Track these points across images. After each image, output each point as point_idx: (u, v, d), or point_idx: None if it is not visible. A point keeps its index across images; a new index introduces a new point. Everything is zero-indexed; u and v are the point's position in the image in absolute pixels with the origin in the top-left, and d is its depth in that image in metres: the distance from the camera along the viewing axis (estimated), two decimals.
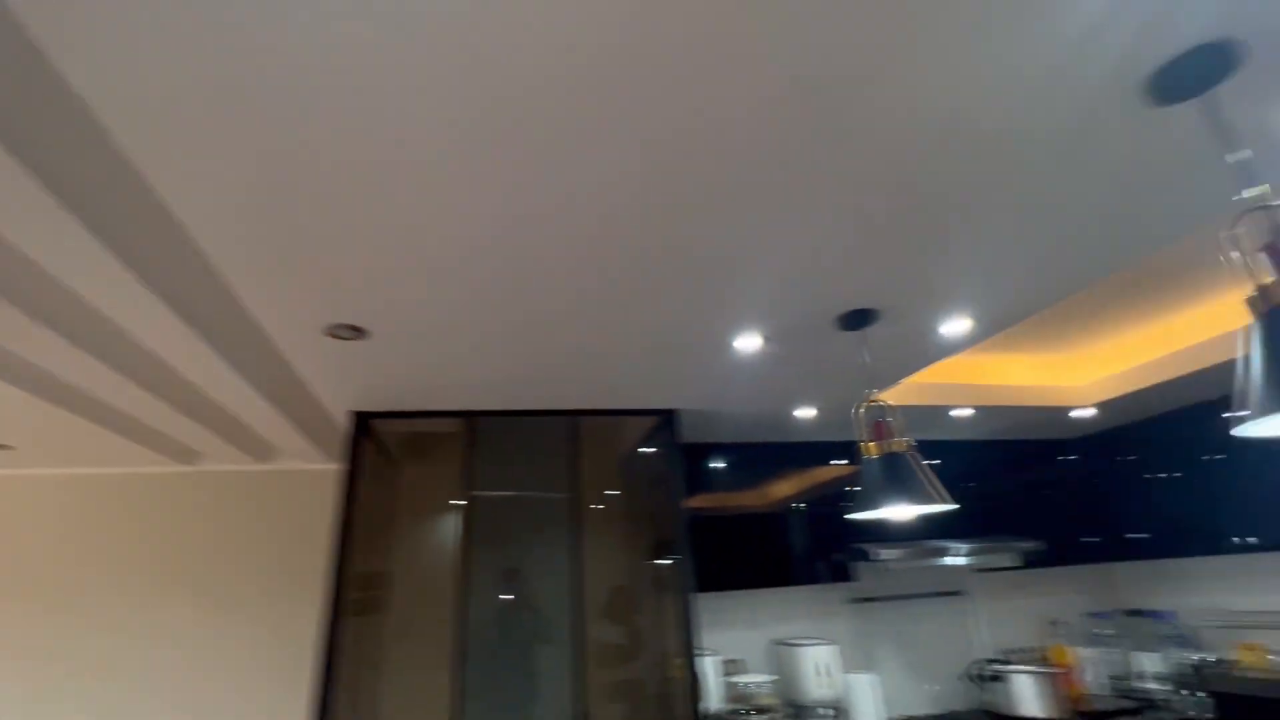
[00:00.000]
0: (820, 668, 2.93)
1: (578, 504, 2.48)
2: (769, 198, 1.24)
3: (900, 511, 1.60)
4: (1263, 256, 0.86)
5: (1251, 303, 0.84)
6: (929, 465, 3.56)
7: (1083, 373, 3.11)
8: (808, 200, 1.25)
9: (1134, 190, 1.29)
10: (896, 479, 1.58)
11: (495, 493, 2.82)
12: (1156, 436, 3.35)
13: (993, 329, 1.96)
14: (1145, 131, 1.10)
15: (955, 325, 1.91)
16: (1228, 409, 3.01)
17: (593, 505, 3.01)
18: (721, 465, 3.20)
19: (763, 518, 3.15)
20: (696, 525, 3.04)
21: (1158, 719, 2.94)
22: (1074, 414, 3.23)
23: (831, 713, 2.89)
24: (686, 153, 1.10)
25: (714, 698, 2.80)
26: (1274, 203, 0.87)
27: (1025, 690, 2.91)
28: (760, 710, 2.68)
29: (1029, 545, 3.26)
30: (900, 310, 1.80)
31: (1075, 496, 3.61)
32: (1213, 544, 3.01)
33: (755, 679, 2.94)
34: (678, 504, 2.54)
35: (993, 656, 3.49)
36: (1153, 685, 3.36)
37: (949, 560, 3.09)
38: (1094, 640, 3.61)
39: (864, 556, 3.12)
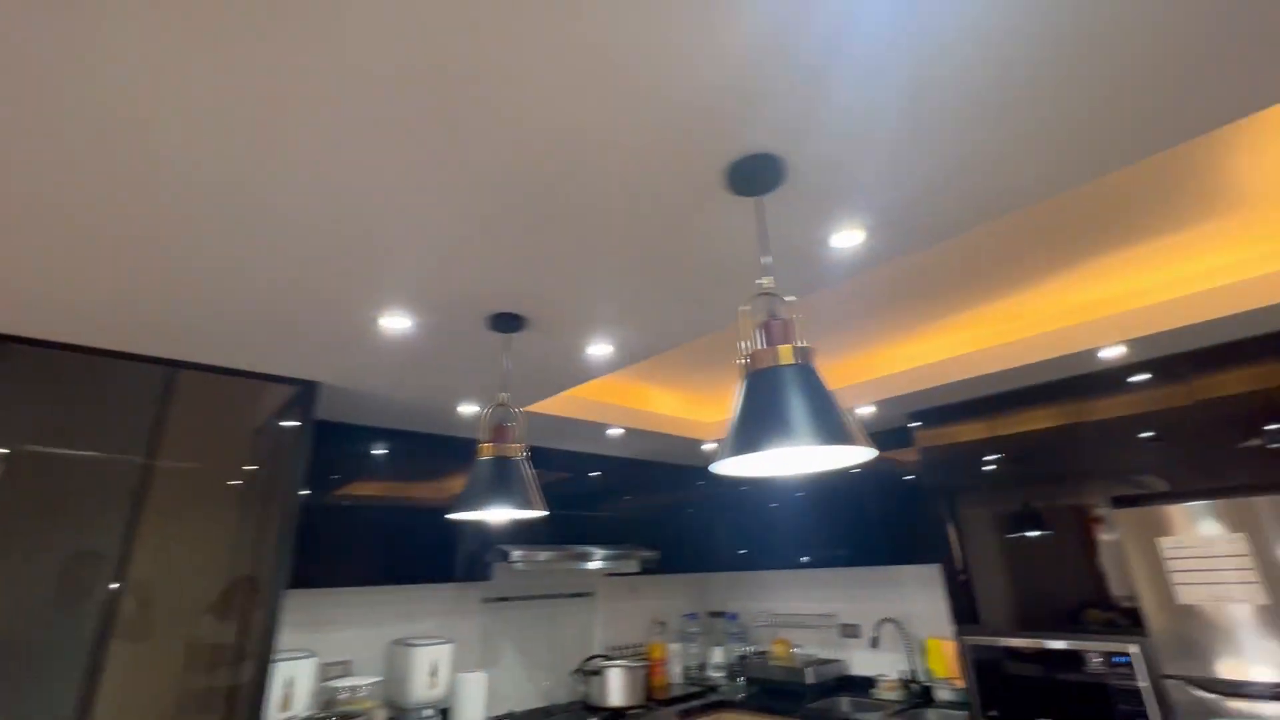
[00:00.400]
0: (432, 668, 2.87)
1: (150, 473, 2.00)
2: (384, 173, 1.15)
3: (498, 514, 1.64)
4: (758, 331, 1.06)
5: (742, 366, 1.03)
6: (594, 476, 3.93)
7: (714, 410, 3.72)
8: (423, 187, 1.20)
9: (721, 260, 1.55)
10: (502, 483, 1.61)
11: (42, 449, 2.13)
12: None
13: (630, 359, 2.18)
14: (726, 212, 1.32)
15: (599, 349, 2.08)
16: None
17: (230, 481, 2.49)
18: (372, 451, 2.97)
19: (403, 511, 2.99)
20: (324, 513, 2.74)
21: (713, 701, 3.58)
22: (704, 447, 3.84)
23: (431, 713, 2.85)
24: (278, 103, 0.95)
25: (300, 704, 2.52)
26: (774, 292, 1.08)
27: (614, 683, 3.28)
28: (348, 716, 2.49)
29: (648, 554, 3.74)
30: (548, 323, 1.88)
31: (695, 516, 4.29)
32: (783, 560, 3.84)
33: (355, 682, 2.73)
34: (291, 487, 2.24)
35: (603, 653, 3.88)
36: (716, 674, 4.14)
37: (576, 564, 3.35)
38: (684, 637, 4.29)
39: (503, 557, 3.20)
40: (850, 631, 3.79)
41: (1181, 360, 2.37)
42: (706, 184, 1.23)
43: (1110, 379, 2.53)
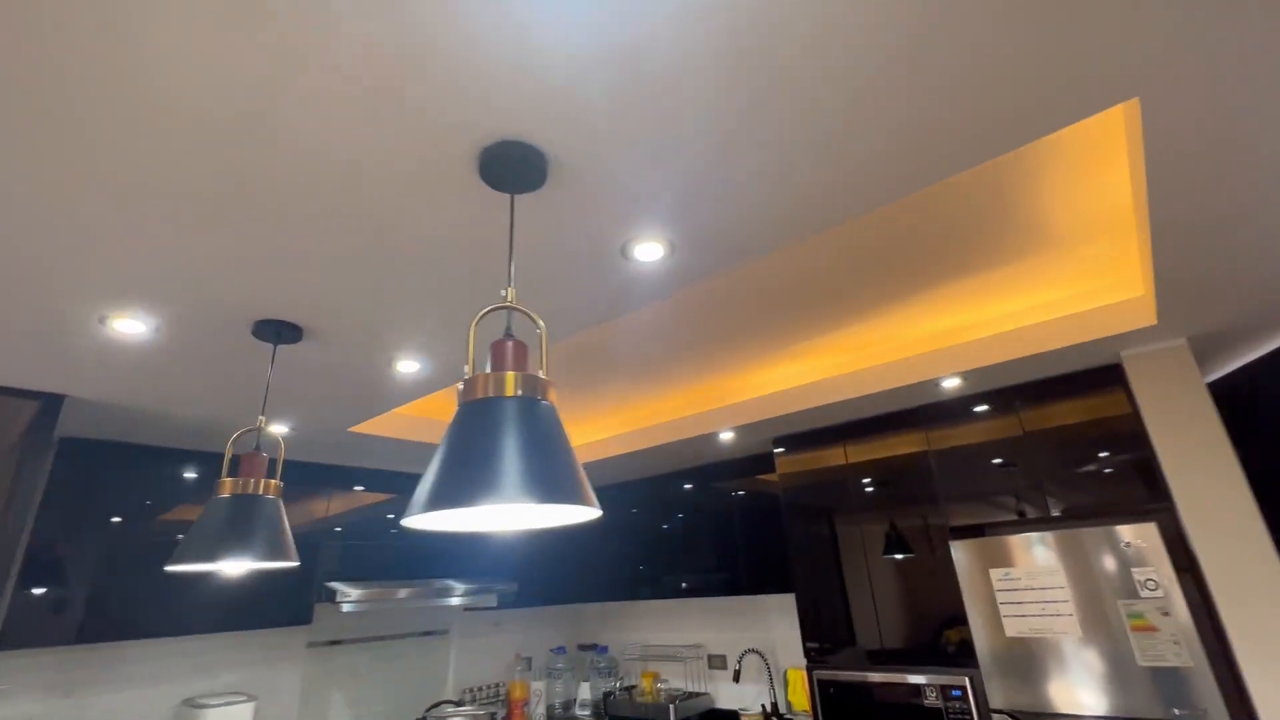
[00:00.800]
0: None
1: None
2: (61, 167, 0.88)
3: (234, 567, 1.34)
4: (489, 349, 0.86)
5: (460, 392, 0.83)
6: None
7: (587, 431, 3.52)
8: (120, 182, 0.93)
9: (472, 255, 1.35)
10: (239, 528, 1.32)
11: None
12: (642, 497, 4.04)
13: (450, 378, 1.94)
14: (477, 205, 1.13)
15: (408, 365, 1.82)
16: (687, 481, 3.79)
17: None
18: (148, 475, 2.52)
19: None
20: (90, 551, 2.28)
21: None
22: None
23: None
24: None
25: None
26: (516, 306, 0.89)
27: None
28: None
29: (503, 587, 3.47)
30: (331, 334, 1.61)
31: (560, 545, 4.06)
32: (654, 589, 3.67)
33: None
34: (18, 517, 1.81)
35: (450, 698, 3.54)
36: (583, 713, 3.89)
37: (421, 601, 3.03)
38: (550, 674, 4.01)
39: (328, 597, 2.83)
40: (718, 663, 3.67)
41: (1011, 393, 2.43)
42: (459, 176, 1.03)
43: (956, 408, 2.56)
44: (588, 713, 3.83)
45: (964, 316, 2.24)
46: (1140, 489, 2.09)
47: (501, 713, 3.70)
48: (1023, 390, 2.41)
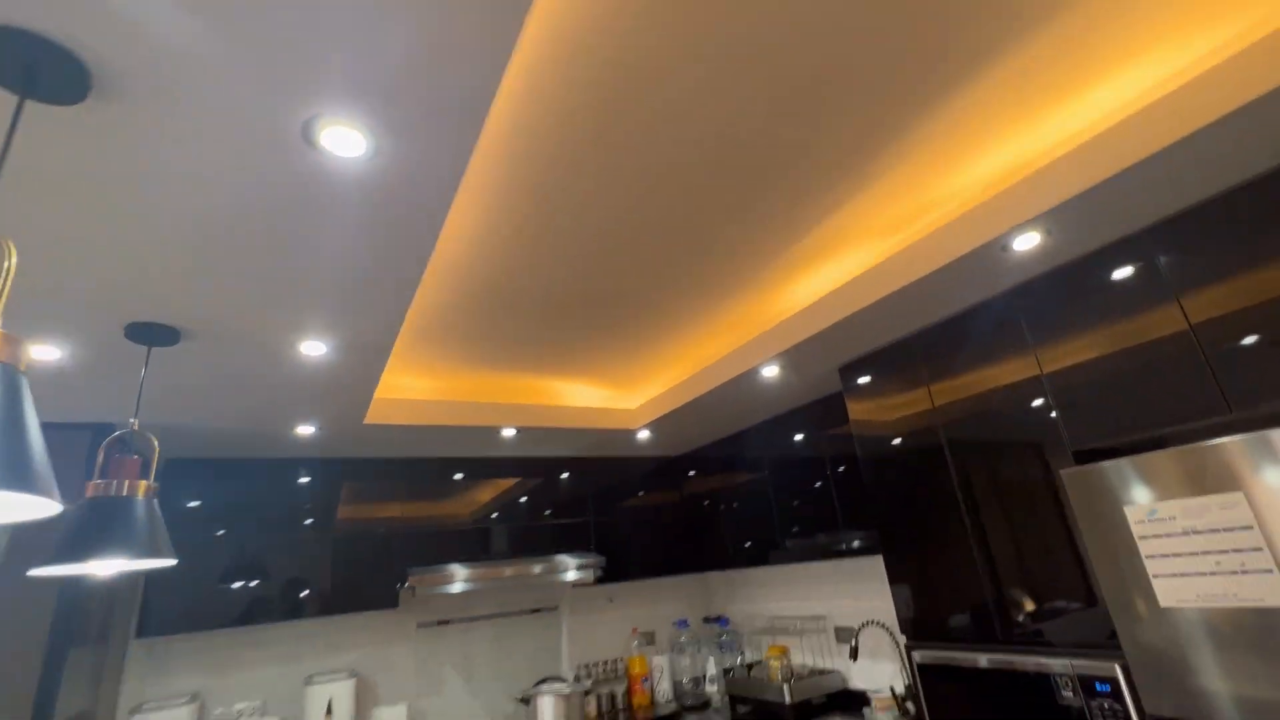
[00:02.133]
0: (330, 705, 2.69)
1: None
2: None
3: (104, 567, 1.36)
4: None
5: None
6: (537, 484, 3.59)
7: (638, 396, 3.23)
8: None
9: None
10: (106, 529, 1.33)
11: None
12: (713, 460, 3.64)
13: (372, 351, 1.81)
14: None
15: (313, 347, 1.73)
16: (761, 434, 3.31)
17: None
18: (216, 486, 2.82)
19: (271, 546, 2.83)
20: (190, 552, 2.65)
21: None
22: (639, 436, 3.35)
23: None
24: None
25: None
26: None
27: (546, 711, 2.92)
28: None
29: (589, 559, 3.34)
30: (208, 332, 1.57)
31: (675, 515, 3.81)
32: (763, 556, 3.26)
33: None
34: None
35: (558, 674, 3.52)
36: (711, 688, 3.62)
37: (502, 581, 3.04)
38: (674, 648, 3.81)
39: (401, 581, 2.95)
40: (846, 636, 3.13)
41: (1147, 238, 1.57)
42: None
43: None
44: (715, 688, 3.55)
45: (1035, 131, 1.48)
46: None
47: (621, 688, 3.60)
48: (1168, 229, 1.55)
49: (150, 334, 1.52)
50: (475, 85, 0.91)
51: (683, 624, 3.86)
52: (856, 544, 2.66)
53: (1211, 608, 1.33)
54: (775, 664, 3.21)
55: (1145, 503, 1.44)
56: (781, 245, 1.87)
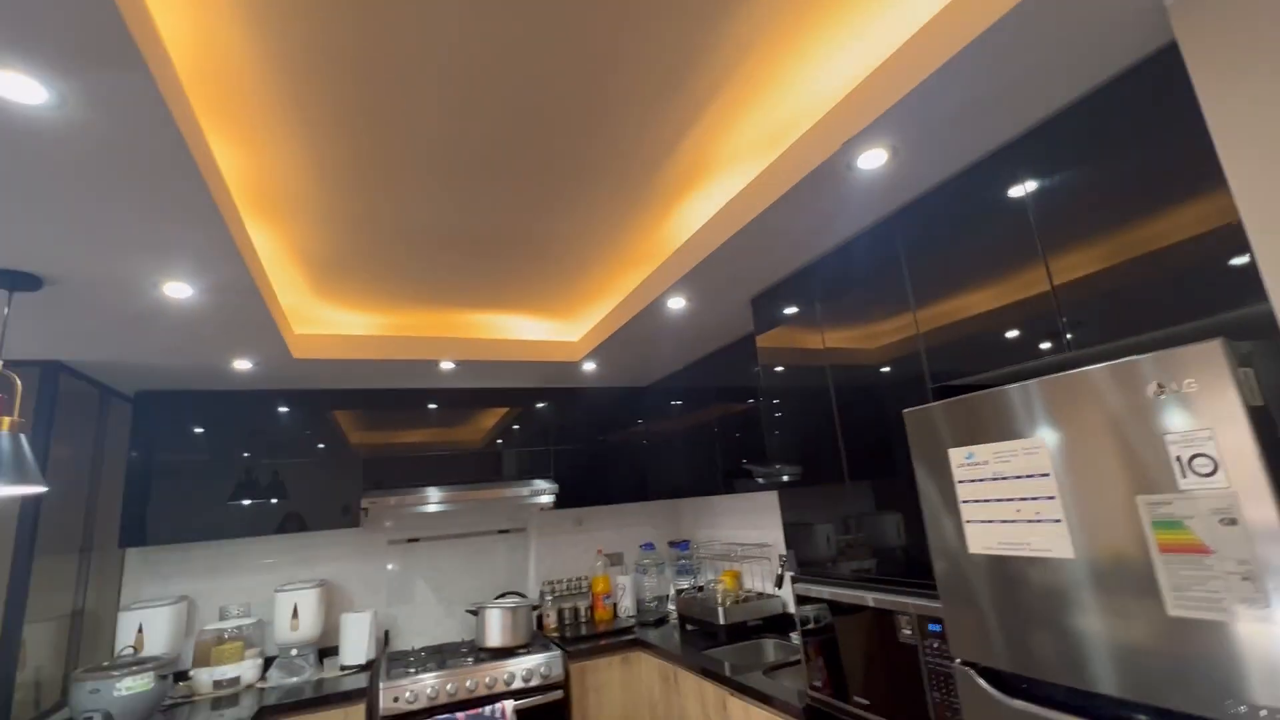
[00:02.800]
0: (296, 609, 2.99)
1: None
2: None
3: None
4: None
5: None
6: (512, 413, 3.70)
7: (581, 330, 3.21)
8: None
9: None
10: None
11: None
12: (672, 392, 3.63)
13: (230, 289, 1.87)
14: None
15: (177, 289, 1.81)
16: (713, 366, 3.26)
17: None
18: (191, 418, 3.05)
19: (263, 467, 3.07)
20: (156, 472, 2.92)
21: (628, 639, 3.27)
22: (584, 367, 3.37)
23: (297, 652, 2.98)
24: None
25: (157, 646, 2.78)
26: None
27: (492, 624, 3.14)
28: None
29: (543, 485, 3.47)
30: (66, 276, 1.65)
31: (634, 444, 3.87)
32: (712, 486, 3.29)
33: (224, 625, 2.96)
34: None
35: (534, 589, 3.74)
36: (672, 607, 3.79)
37: (442, 506, 3.22)
38: (639, 569, 3.97)
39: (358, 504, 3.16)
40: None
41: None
42: None
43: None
44: (674, 607, 3.71)
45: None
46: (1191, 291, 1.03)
47: (585, 603, 3.81)
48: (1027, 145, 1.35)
49: (8, 279, 1.63)
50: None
51: (648, 547, 4.00)
52: (783, 479, 2.63)
53: (1008, 555, 1.26)
54: (720, 587, 3.31)
55: (965, 445, 1.35)
56: (647, 170, 1.76)
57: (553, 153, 1.62)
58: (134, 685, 2.34)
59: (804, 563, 2.10)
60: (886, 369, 1.77)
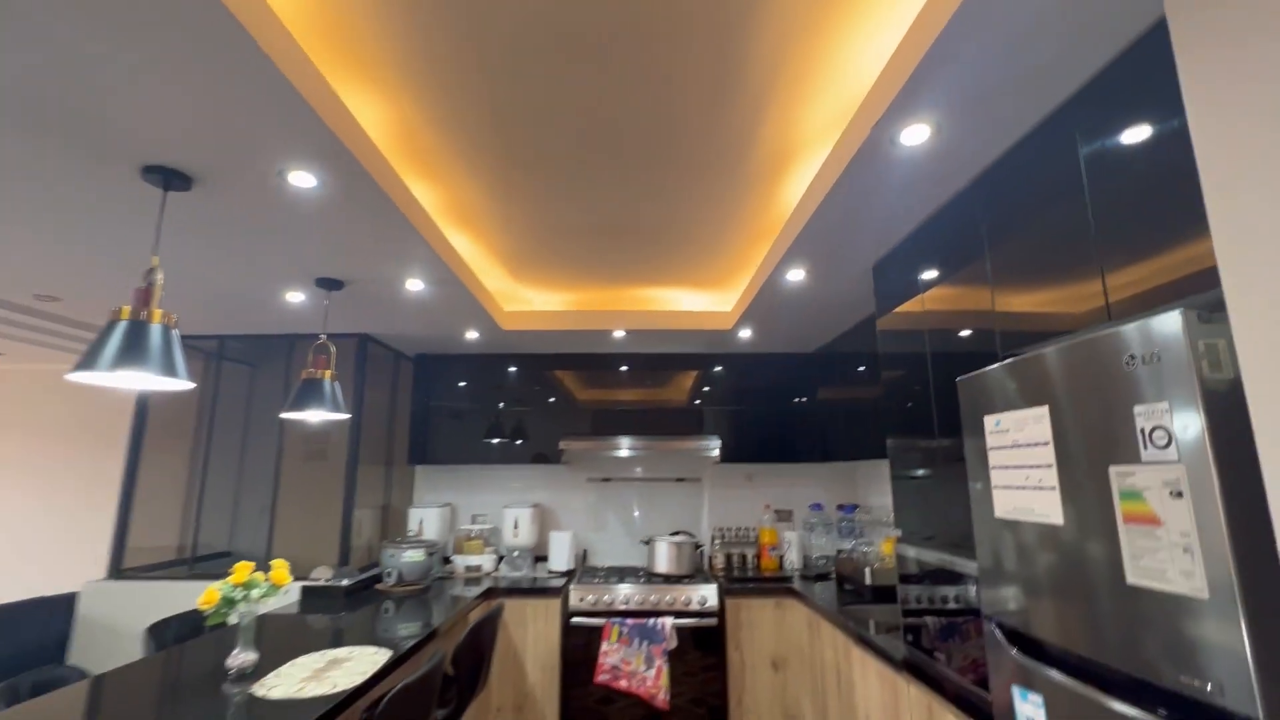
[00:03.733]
0: (517, 522, 3.91)
1: None
2: None
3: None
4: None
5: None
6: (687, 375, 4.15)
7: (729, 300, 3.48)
8: None
9: None
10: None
11: None
12: (838, 357, 3.65)
13: (454, 289, 2.60)
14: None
15: (413, 284, 2.60)
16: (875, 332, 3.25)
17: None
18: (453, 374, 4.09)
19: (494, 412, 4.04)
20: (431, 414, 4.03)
21: (785, 587, 3.53)
22: (740, 335, 3.62)
23: (519, 553, 3.90)
24: None
25: (431, 534, 3.91)
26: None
27: (661, 552, 3.67)
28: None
29: (706, 442, 3.86)
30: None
31: (803, 407, 4.03)
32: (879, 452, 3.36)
33: (473, 528, 4.00)
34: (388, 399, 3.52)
35: (704, 532, 4.20)
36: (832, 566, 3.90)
37: (621, 452, 3.82)
38: (806, 526, 4.14)
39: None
40: None
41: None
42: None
43: None
44: (831, 567, 3.84)
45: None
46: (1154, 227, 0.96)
47: (752, 551, 4.14)
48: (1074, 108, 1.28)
49: (326, 284, 2.55)
50: None
51: (817, 507, 4.15)
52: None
53: (1020, 520, 1.29)
54: (872, 551, 3.36)
55: (996, 412, 1.38)
56: (737, 159, 1.99)
57: (654, 151, 1.96)
58: (415, 556, 3.41)
59: (912, 529, 2.17)
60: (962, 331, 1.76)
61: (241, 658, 1.91)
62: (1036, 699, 1.21)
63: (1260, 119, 0.83)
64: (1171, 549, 0.93)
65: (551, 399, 4.08)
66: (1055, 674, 1.18)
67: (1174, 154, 1.11)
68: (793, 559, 4.06)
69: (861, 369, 3.43)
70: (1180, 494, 0.92)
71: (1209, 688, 0.88)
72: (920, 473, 2.09)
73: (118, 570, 3.31)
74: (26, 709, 1.63)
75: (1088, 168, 1.33)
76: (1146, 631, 0.98)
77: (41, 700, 1.69)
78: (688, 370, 4.12)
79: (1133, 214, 1.21)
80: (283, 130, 1.48)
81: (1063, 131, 1.39)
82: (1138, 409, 1.00)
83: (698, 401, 4.08)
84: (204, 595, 1.86)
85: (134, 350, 1.53)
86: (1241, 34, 0.86)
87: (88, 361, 1.49)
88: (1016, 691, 1.28)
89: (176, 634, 2.42)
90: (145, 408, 3.55)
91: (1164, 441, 0.95)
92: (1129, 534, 1.01)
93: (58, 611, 3.15)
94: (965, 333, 1.77)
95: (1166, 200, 1.12)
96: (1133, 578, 1.00)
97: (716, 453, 3.92)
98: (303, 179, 1.70)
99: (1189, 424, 0.91)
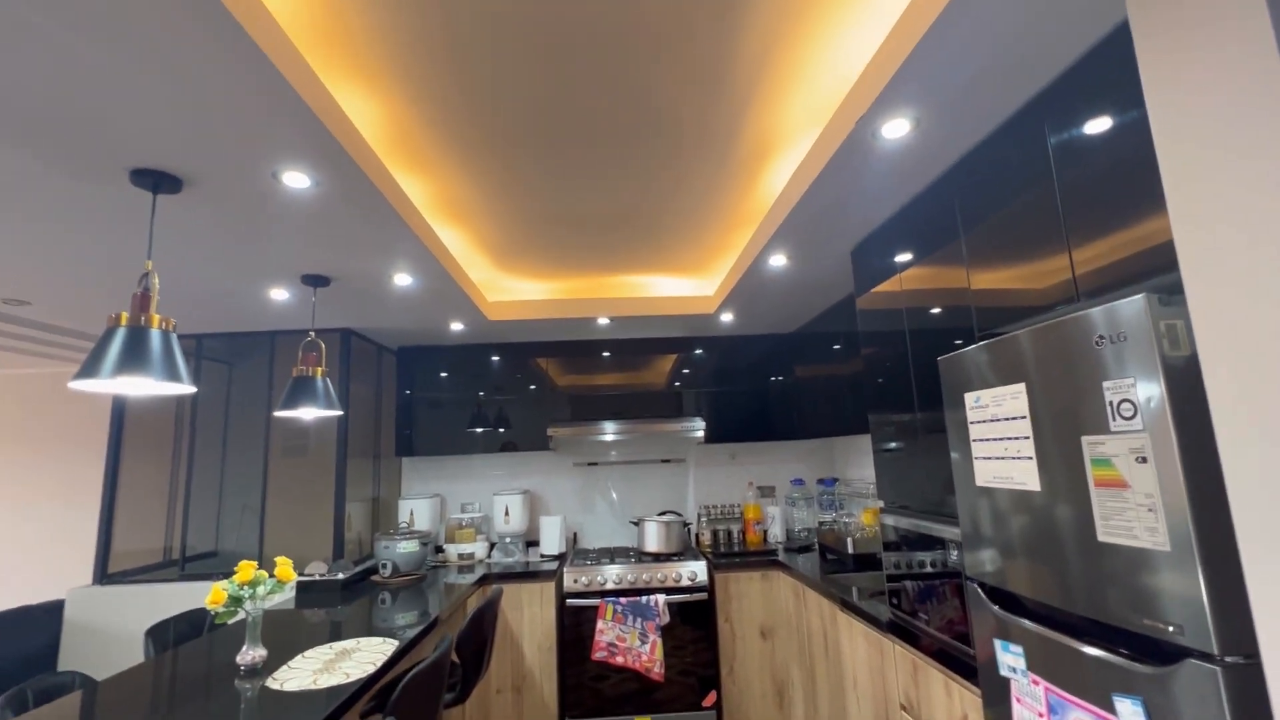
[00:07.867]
0: (507, 509, 3.96)
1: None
2: None
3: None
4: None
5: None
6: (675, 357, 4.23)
7: (710, 285, 3.55)
8: None
9: None
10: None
11: None
12: (815, 336, 3.77)
13: (442, 283, 2.61)
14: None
15: (402, 279, 2.60)
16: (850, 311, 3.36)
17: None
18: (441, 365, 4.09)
19: (474, 402, 4.06)
20: (415, 405, 4.04)
21: (770, 560, 3.67)
22: (722, 318, 3.70)
23: (511, 540, 3.96)
24: None
25: (421, 524, 3.94)
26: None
27: (650, 532, 3.77)
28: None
29: (690, 423, 3.95)
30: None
31: (779, 386, 4.15)
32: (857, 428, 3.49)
33: (464, 516, 4.04)
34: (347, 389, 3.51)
35: (692, 511, 4.31)
36: (815, 538, 4.06)
37: (606, 437, 3.89)
38: (788, 501, 4.29)
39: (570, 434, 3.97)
40: None
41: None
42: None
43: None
44: (812, 539, 4.00)
45: None
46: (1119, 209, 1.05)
47: (737, 527, 4.27)
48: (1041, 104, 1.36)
49: (313, 280, 2.54)
50: None
51: (798, 482, 4.29)
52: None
53: (998, 488, 1.40)
54: (853, 522, 3.51)
55: (975, 390, 1.48)
56: (722, 146, 2.04)
57: (639, 142, 2.00)
58: (408, 547, 3.44)
59: (892, 498, 2.29)
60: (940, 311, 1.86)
61: (251, 654, 1.95)
62: (1017, 649, 1.33)
63: (1215, 114, 0.92)
64: (1138, 509, 1.04)
65: (533, 386, 4.12)
66: (1032, 625, 1.30)
67: (1134, 143, 1.20)
68: (776, 533, 4.20)
69: (837, 347, 3.55)
70: (1145, 459, 1.03)
71: (1170, 629, 0.99)
72: (901, 445, 2.21)
73: (104, 575, 3.27)
74: (45, 714, 1.64)
75: (1056, 156, 1.42)
76: (1115, 583, 1.09)
77: (54, 705, 1.70)
78: (669, 354, 4.19)
79: (1096, 197, 1.31)
80: (277, 130, 1.48)
81: (1033, 123, 1.48)
82: (1106, 384, 1.10)
83: (677, 384, 4.17)
84: (211, 594, 1.88)
85: (135, 356, 1.53)
86: (1197, 31, 0.94)
87: (89, 369, 1.49)
88: (998, 644, 1.39)
89: (177, 635, 2.42)
90: (123, 410, 3.48)
91: (1130, 413, 1.05)
92: (1100, 497, 1.12)
93: (45, 619, 3.11)
94: (942, 309, 1.87)
95: (1126, 185, 1.22)
96: (1103, 535, 1.11)
97: (701, 434, 4.02)
98: (296, 179, 1.70)
99: (1152, 396, 1.01)
